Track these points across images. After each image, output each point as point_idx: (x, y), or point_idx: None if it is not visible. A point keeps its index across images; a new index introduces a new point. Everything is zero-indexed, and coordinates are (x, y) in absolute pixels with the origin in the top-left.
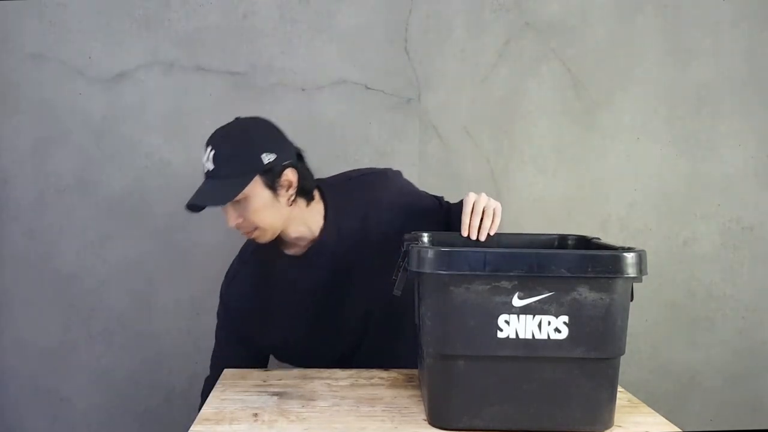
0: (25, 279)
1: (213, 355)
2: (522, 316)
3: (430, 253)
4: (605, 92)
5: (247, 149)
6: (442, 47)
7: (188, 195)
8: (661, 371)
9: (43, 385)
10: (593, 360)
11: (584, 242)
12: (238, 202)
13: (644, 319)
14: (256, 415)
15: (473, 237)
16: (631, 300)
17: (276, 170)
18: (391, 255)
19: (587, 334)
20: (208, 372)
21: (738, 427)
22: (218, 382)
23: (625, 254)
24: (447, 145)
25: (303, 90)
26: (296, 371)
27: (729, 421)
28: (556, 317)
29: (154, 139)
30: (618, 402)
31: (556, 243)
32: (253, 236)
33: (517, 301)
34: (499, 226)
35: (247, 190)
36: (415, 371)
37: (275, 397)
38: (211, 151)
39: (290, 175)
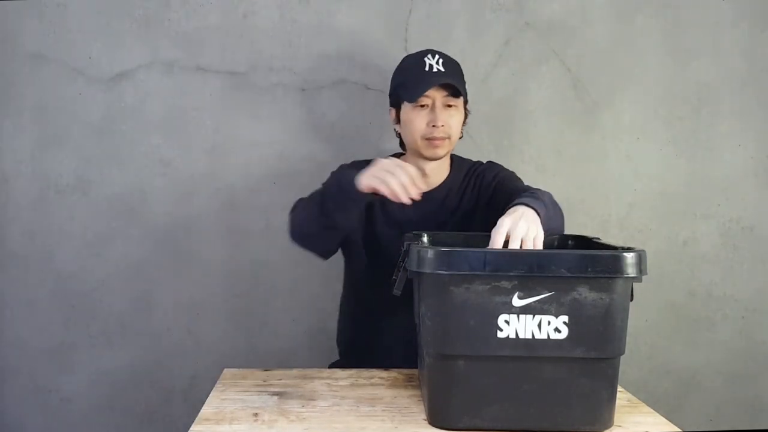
0: (25, 279)
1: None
2: (522, 316)
3: (430, 253)
4: (605, 92)
5: (461, 71)
6: (442, 47)
7: (188, 195)
8: (661, 371)
9: (43, 385)
10: (593, 360)
11: (584, 242)
12: (449, 108)
13: (644, 319)
14: (256, 415)
15: None
16: (631, 300)
17: (467, 99)
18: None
19: (587, 334)
20: (207, 372)
21: (738, 427)
22: (218, 382)
23: (625, 254)
24: None
25: (303, 90)
26: (296, 371)
27: (729, 421)
28: (556, 317)
29: (154, 139)
30: (618, 402)
31: (556, 243)
32: (440, 145)
33: (517, 301)
34: None
35: (460, 100)
36: (415, 371)
37: (275, 397)
38: (439, 58)
39: (469, 112)
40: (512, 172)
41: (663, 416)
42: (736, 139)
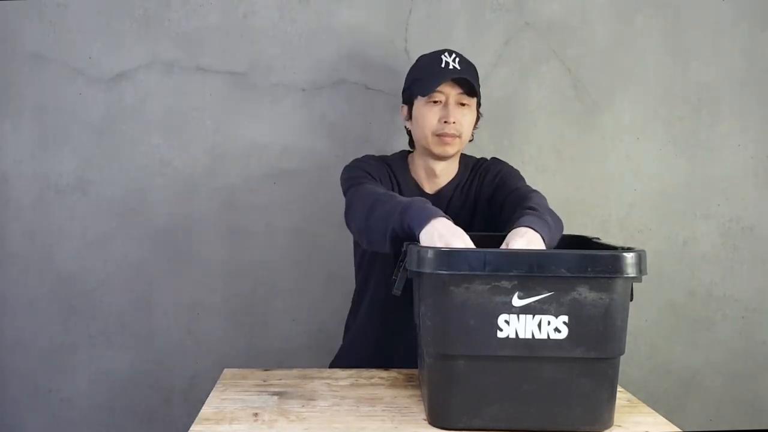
0: (25, 279)
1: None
2: (522, 316)
3: (430, 253)
4: (605, 92)
5: (476, 71)
6: (442, 47)
7: (188, 195)
8: (661, 371)
9: (43, 385)
10: (593, 360)
11: (584, 242)
12: (462, 106)
13: (644, 319)
14: (256, 415)
15: None
16: (631, 300)
17: (480, 102)
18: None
19: (587, 334)
20: (207, 372)
21: (738, 427)
22: (218, 382)
23: (625, 254)
24: None
25: (303, 90)
26: (296, 371)
27: (729, 421)
28: (556, 317)
29: (154, 139)
30: (618, 402)
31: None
32: (450, 142)
33: (516, 301)
34: None
35: (473, 101)
36: (415, 371)
37: (275, 397)
38: (455, 56)
39: (482, 115)
40: (515, 170)
41: (663, 416)
42: (736, 139)
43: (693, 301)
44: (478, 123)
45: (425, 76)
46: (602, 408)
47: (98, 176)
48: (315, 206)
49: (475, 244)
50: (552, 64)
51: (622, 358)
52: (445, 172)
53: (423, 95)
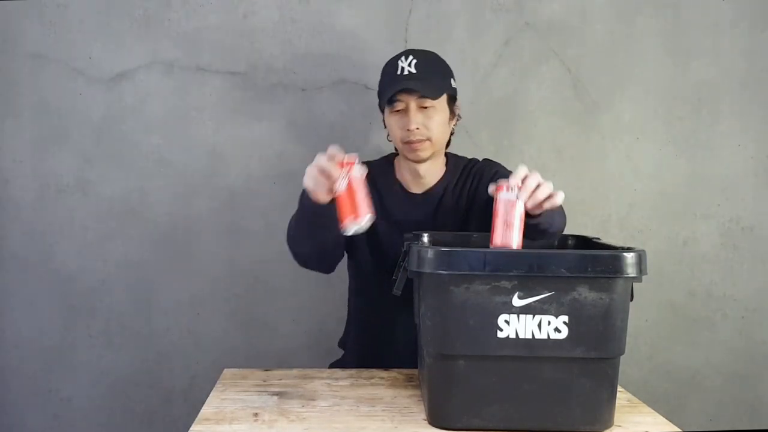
0: (25, 279)
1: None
2: (522, 316)
3: (430, 253)
4: (605, 92)
5: (442, 69)
6: (442, 47)
7: (188, 195)
8: (661, 371)
9: (43, 384)
10: (593, 360)
11: (584, 242)
12: (425, 109)
13: (644, 319)
14: (256, 415)
15: (522, 200)
16: (631, 300)
17: (455, 97)
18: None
19: (587, 334)
20: (207, 372)
21: (738, 427)
22: (218, 382)
23: (625, 254)
24: None
25: (303, 90)
26: (296, 371)
27: (729, 421)
28: (556, 317)
29: (154, 139)
30: (618, 402)
31: (555, 243)
32: (419, 148)
33: (517, 301)
34: None
35: (439, 101)
36: (415, 371)
37: (275, 397)
38: (412, 59)
39: (459, 108)
40: (510, 172)
41: (663, 416)
42: (736, 139)
43: (693, 301)
44: (455, 119)
45: (383, 87)
46: (602, 408)
47: (98, 176)
48: None
49: (474, 245)
50: (552, 64)
51: (622, 358)
52: (430, 172)
53: (385, 106)
